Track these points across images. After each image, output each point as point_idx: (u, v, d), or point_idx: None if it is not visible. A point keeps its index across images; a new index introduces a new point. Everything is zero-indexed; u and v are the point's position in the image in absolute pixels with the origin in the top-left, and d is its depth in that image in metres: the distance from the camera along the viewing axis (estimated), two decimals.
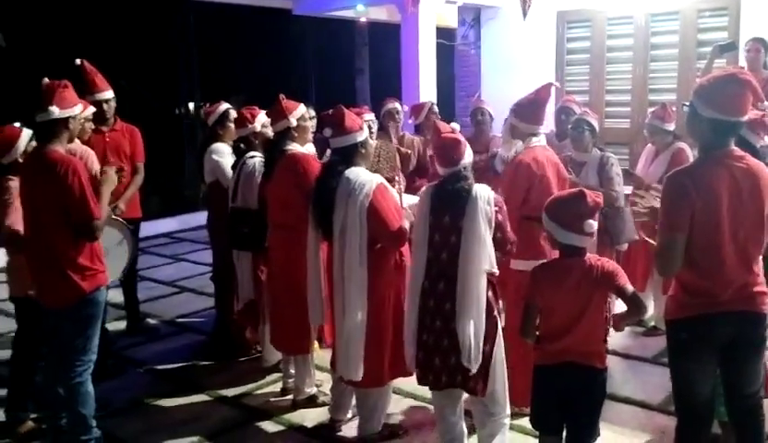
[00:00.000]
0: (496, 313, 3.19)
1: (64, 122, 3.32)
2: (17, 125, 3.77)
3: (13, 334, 5.51)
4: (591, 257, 2.83)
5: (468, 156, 3.18)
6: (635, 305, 2.80)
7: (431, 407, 3.92)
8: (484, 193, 3.11)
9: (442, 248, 3.13)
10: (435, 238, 3.14)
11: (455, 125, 3.28)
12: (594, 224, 2.75)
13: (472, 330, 3.04)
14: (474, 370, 3.09)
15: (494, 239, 3.10)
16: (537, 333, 2.92)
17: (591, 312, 2.76)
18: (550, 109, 4.36)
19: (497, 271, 3.12)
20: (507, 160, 4.39)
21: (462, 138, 3.20)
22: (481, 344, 3.07)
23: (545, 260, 3.21)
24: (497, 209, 3.12)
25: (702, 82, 2.70)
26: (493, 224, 3.09)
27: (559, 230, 2.79)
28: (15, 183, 3.59)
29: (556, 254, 2.97)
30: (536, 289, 2.86)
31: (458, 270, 3.07)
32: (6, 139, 3.66)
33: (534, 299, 2.87)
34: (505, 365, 3.32)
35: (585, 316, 2.76)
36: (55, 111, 3.25)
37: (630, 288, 2.79)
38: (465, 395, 3.37)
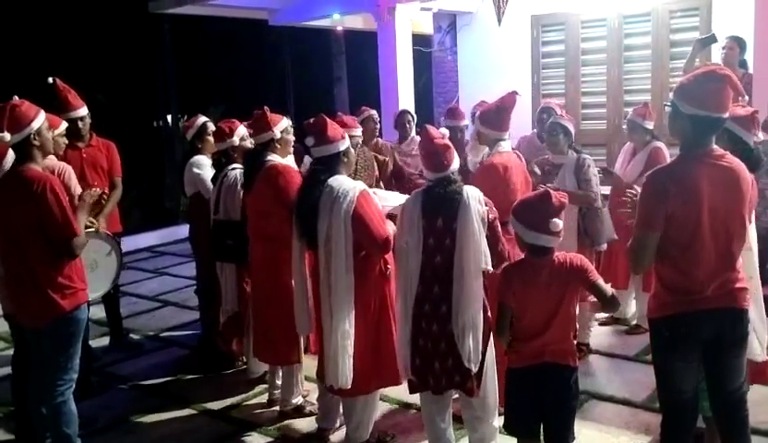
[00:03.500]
0: (489, 313, 3.21)
1: (26, 141, 3.24)
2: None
3: (3, 353, 5.50)
4: (559, 254, 2.85)
5: (456, 161, 3.22)
6: (607, 299, 2.82)
7: (419, 414, 3.94)
8: (475, 193, 3.15)
9: (436, 252, 3.15)
10: (428, 242, 3.15)
11: (444, 131, 3.31)
12: (559, 223, 2.78)
13: (471, 330, 3.07)
14: (474, 370, 3.11)
15: (486, 237, 3.14)
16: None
17: (564, 310, 2.80)
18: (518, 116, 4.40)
19: (491, 269, 3.13)
20: (475, 164, 4.46)
21: (450, 144, 3.24)
22: (480, 344, 3.10)
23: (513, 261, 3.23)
24: (488, 208, 3.16)
25: (683, 81, 2.73)
26: (486, 223, 3.12)
27: (527, 231, 2.82)
28: None
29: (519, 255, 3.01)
30: (508, 290, 2.88)
31: (454, 272, 3.09)
32: None
33: (506, 299, 2.89)
34: (495, 367, 3.35)
35: (559, 314, 2.79)
36: (6, 136, 3.19)
37: (601, 282, 2.83)
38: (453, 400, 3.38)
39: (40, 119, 3.30)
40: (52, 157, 4.03)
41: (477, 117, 4.08)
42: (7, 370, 5.01)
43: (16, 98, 3.32)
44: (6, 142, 3.22)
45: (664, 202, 2.61)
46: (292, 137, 4.24)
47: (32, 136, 3.26)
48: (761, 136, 3.36)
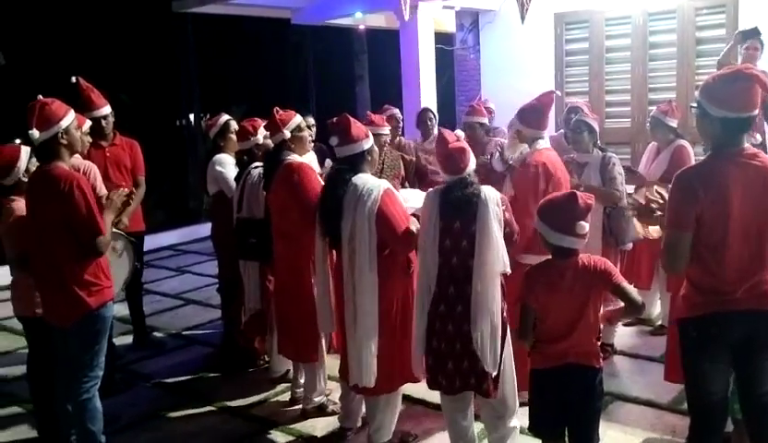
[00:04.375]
0: (506, 314, 3.19)
1: (54, 139, 3.28)
2: (17, 141, 3.74)
3: (20, 351, 5.58)
4: (583, 256, 2.82)
5: (473, 163, 3.22)
6: (632, 302, 2.79)
7: (441, 412, 3.93)
8: (492, 195, 3.14)
9: (453, 253, 3.14)
10: (445, 243, 3.15)
11: (459, 133, 3.30)
12: (585, 226, 2.75)
13: (488, 333, 3.06)
14: (493, 373, 3.10)
15: (504, 236, 3.13)
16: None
17: (588, 312, 2.76)
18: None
19: (509, 270, 3.12)
20: (511, 161, 4.44)
21: (466, 147, 3.23)
22: (498, 346, 3.08)
23: (538, 258, 3.20)
24: (503, 207, 3.15)
25: (708, 81, 2.68)
26: (503, 223, 3.12)
27: (551, 232, 2.79)
28: (18, 203, 3.59)
29: None
30: (530, 292, 2.85)
31: (472, 274, 3.08)
32: (6, 160, 3.63)
33: (529, 301, 2.86)
34: (513, 367, 3.32)
35: (582, 316, 2.76)
36: (36, 134, 3.22)
37: (626, 285, 2.79)
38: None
39: (69, 118, 3.33)
40: (77, 156, 4.08)
41: (517, 116, 4.09)
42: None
43: (40, 97, 3.34)
44: (34, 139, 3.26)
45: (692, 202, 2.57)
46: (305, 134, 4.25)
47: (60, 134, 3.29)
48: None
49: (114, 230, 4.33)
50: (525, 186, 3.87)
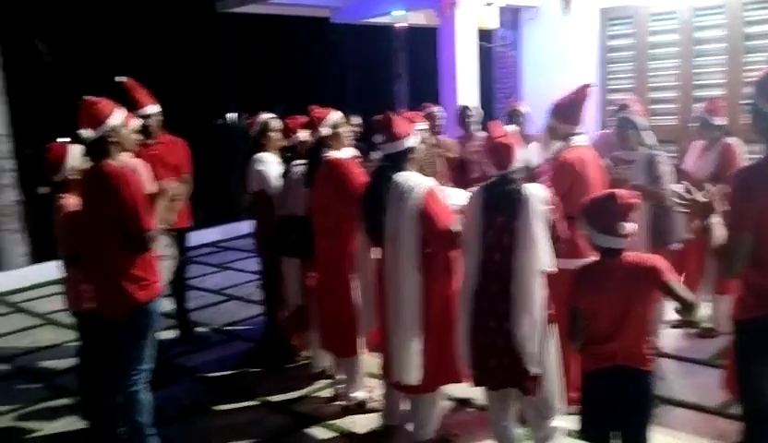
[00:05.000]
0: (550, 312, 3.16)
1: (104, 138, 3.35)
2: (65, 140, 3.82)
3: (66, 344, 5.72)
4: (631, 254, 2.75)
5: (519, 159, 3.18)
6: (683, 301, 2.69)
7: (483, 412, 3.90)
8: (537, 192, 3.10)
9: (495, 249, 3.12)
10: (488, 239, 3.13)
11: (510, 128, 3.26)
12: (627, 226, 2.69)
13: (530, 331, 3.03)
14: (535, 371, 3.07)
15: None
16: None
17: (636, 312, 2.70)
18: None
19: (554, 270, 3.08)
20: (545, 159, 4.38)
21: (512, 142, 3.18)
22: (540, 345, 3.05)
23: (585, 260, 3.14)
24: (551, 207, 3.11)
25: (762, 77, 2.61)
26: (549, 223, 3.08)
27: (595, 234, 2.74)
28: (67, 200, 3.67)
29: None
30: (578, 293, 2.81)
31: (512, 271, 3.05)
32: (53, 158, 3.71)
33: (577, 303, 2.82)
34: (559, 367, 3.28)
35: (631, 316, 2.70)
36: (85, 133, 3.30)
37: (674, 282, 2.69)
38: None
39: (117, 116, 3.40)
40: (125, 154, 4.15)
41: (550, 111, 3.98)
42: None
43: (89, 98, 3.41)
44: (84, 138, 3.33)
45: (749, 202, 2.50)
46: (344, 129, 4.26)
47: (109, 132, 3.36)
48: None
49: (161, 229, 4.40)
50: (548, 185, 3.78)
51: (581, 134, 3.91)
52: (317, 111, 4.17)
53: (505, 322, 3.08)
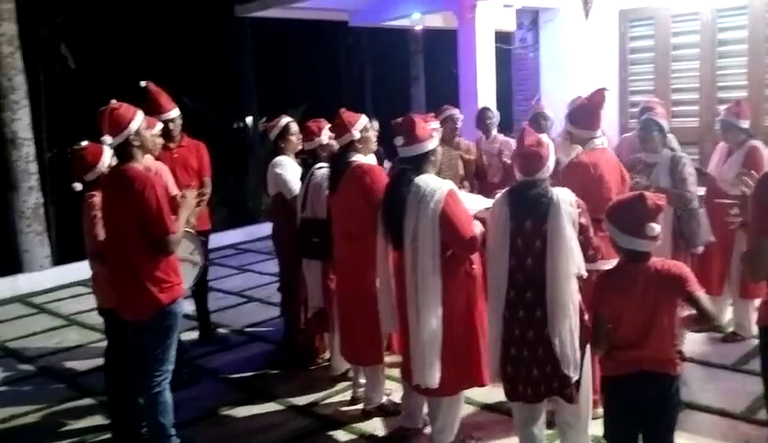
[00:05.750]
0: (586, 317, 3.12)
1: (126, 142, 3.38)
2: (84, 143, 3.89)
3: (91, 345, 5.79)
4: (656, 260, 2.73)
5: (548, 168, 3.13)
6: (704, 313, 2.65)
7: (503, 416, 3.89)
8: (566, 196, 3.07)
9: (526, 255, 3.08)
10: (517, 245, 3.09)
11: (544, 137, 3.22)
12: (656, 228, 2.66)
13: (568, 337, 3.00)
14: (575, 377, 3.04)
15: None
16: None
17: (661, 318, 2.67)
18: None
19: (585, 274, 3.06)
20: (564, 163, 4.35)
21: (543, 153, 3.11)
22: (578, 349, 3.03)
23: (607, 263, 3.12)
24: (579, 211, 3.08)
25: None
26: (577, 227, 3.05)
27: (621, 235, 2.71)
28: (98, 198, 3.72)
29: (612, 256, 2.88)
30: (602, 299, 2.78)
31: (546, 276, 3.01)
32: (90, 159, 3.78)
33: (601, 309, 2.79)
34: (590, 374, 3.26)
35: (656, 322, 2.67)
36: (108, 139, 3.34)
37: (699, 294, 2.65)
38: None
39: (138, 120, 3.43)
40: (148, 157, 4.20)
41: (566, 117, 3.98)
42: (103, 361, 5.31)
43: (114, 102, 3.46)
44: (107, 145, 3.37)
45: None
46: (372, 134, 4.25)
47: (131, 136, 3.40)
48: None
49: (188, 230, 4.46)
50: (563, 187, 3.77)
51: (599, 137, 3.89)
52: (347, 114, 4.11)
53: (544, 329, 3.04)
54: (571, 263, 3.01)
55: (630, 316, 2.71)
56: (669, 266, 2.73)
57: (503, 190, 3.27)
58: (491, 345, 3.23)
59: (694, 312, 2.70)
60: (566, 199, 3.06)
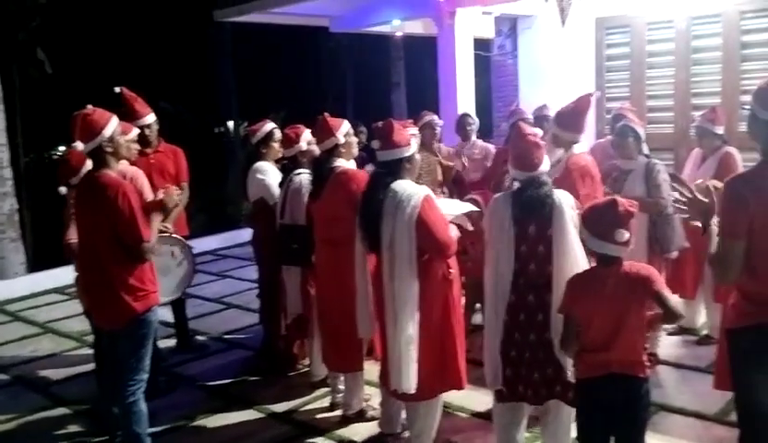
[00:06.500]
0: None
1: (99, 148, 3.35)
2: (61, 149, 3.90)
3: (65, 353, 5.73)
4: (626, 264, 2.77)
5: (547, 162, 3.16)
6: (670, 311, 2.73)
7: (482, 420, 3.91)
8: (567, 199, 3.10)
9: (530, 259, 3.10)
10: (521, 249, 3.10)
11: (539, 131, 3.24)
12: (625, 234, 2.69)
13: None
14: (573, 379, 3.05)
15: None
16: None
17: (630, 321, 2.71)
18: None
19: None
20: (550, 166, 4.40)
21: (542, 143, 3.16)
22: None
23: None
24: (578, 212, 3.10)
25: (761, 85, 2.63)
26: (578, 229, 3.07)
27: (593, 239, 2.76)
28: None
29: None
30: (573, 300, 2.82)
31: (553, 281, 3.04)
32: (75, 164, 3.78)
33: (571, 310, 2.83)
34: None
35: (625, 325, 2.71)
36: (80, 145, 3.32)
37: (666, 293, 2.73)
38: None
39: (111, 125, 3.39)
40: (124, 162, 4.17)
41: (553, 119, 4.05)
42: (78, 369, 5.26)
43: (89, 107, 3.43)
44: (79, 151, 3.35)
45: (743, 210, 2.52)
46: (355, 139, 4.26)
47: (104, 143, 3.36)
48: None
49: (174, 236, 4.46)
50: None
51: (580, 142, 3.96)
52: (330, 120, 4.10)
53: (546, 332, 3.07)
54: (576, 266, 3.03)
55: (600, 318, 2.74)
56: (638, 268, 2.77)
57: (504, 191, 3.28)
58: (490, 350, 3.23)
59: (660, 311, 2.76)
60: (567, 202, 3.09)
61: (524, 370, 3.14)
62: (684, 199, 2.77)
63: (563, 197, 3.09)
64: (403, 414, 3.84)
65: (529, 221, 3.09)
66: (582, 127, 3.96)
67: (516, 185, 3.19)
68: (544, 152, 3.15)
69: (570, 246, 3.03)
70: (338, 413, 4.28)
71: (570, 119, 3.96)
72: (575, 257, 3.03)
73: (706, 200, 2.71)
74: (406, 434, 3.80)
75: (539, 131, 3.23)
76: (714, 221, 2.68)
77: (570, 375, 3.04)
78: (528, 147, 3.13)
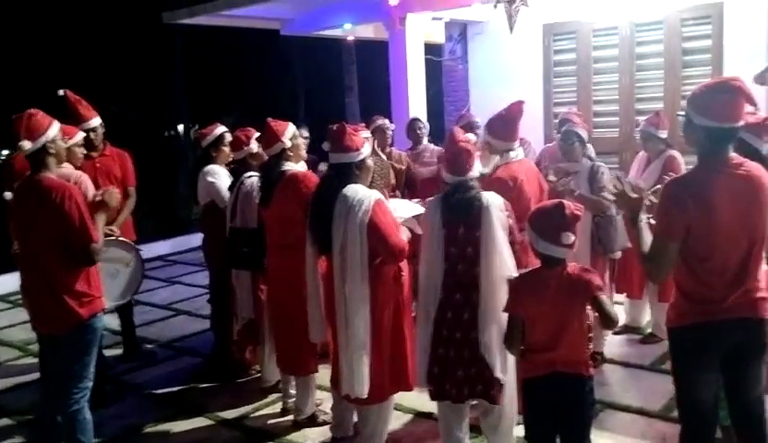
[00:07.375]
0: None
1: (42, 150, 3.29)
2: (5, 153, 3.80)
3: (9, 363, 5.54)
4: (569, 266, 2.83)
5: (477, 167, 3.23)
6: (605, 316, 2.73)
7: (434, 423, 3.93)
8: (495, 200, 3.16)
9: (458, 260, 3.15)
10: (450, 250, 3.16)
11: (472, 136, 3.30)
12: (571, 237, 2.75)
13: (496, 339, 3.08)
14: (503, 379, 3.11)
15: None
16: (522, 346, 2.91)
17: (572, 321, 2.77)
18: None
19: (515, 275, 3.12)
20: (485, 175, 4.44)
21: (473, 149, 3.23)
22: (506, 352, 3.09)
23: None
24: (507, 213, 3.17)
25: (695, 91, 2.72)
26: (508, 230, 3.14)
27: (539, 240, 2.81)
28: None
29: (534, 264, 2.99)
30: (517, 301, 2.87)
31: (480, 280, 3.09)
32: (19, 168, 3.74)
33: (516, 311, 2.88)
34: (515, 375, 3.33)
35: (567, 325, 2.76)
36: (26, 144, 3.24)
37: (602, 297, 2.75)
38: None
39: (54, 128, 3.35)
40: (69, 166, 4.08)
41: (485, 127, 4.05)
42: (21, 379, 5.10)
43: (31, 110, 3.35)
44: (24, 151, 3.26)
45: (681, 212, 2.60)
46: (301, 141, 4.24)
47: (48, 143, 3.30)
48: None
49: (121, 239, 4.37)
50: None
51: (516, 149, 3.96)
52: (275, 123, 4.07)
53: (471, 331, 3.12)
54: (504, 267, 3.09)
55: (544, 318, 2.79)
56: (580, 271, 2.83)
57: (435, 195, 3.32)
58: (421, 348, 3.28)
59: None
60: (496, 204, 3.14)
61: (449, 367, 3.19)
62: (615, 192, 2.86)
63: (492, 200, 3.16)
64: (355, 417, 3.84)
65: (458, 223, 3.15)
66: (514, 135, 3.93)
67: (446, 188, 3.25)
68: (474, 159, 3.20)
69: (497, 248, 3.10)
70: (289, 418, 4.25)
71: (501, 127, 3.93)
72: (502, 258, 3.10)
73: (635, 196, 2.79)
74: (358, 437, 3.80)
75: (473, 137, 3.28)
76: (644, 218, 2.76)
77: (499, 374, 3.10)
78: (459, 152, 3.20)
